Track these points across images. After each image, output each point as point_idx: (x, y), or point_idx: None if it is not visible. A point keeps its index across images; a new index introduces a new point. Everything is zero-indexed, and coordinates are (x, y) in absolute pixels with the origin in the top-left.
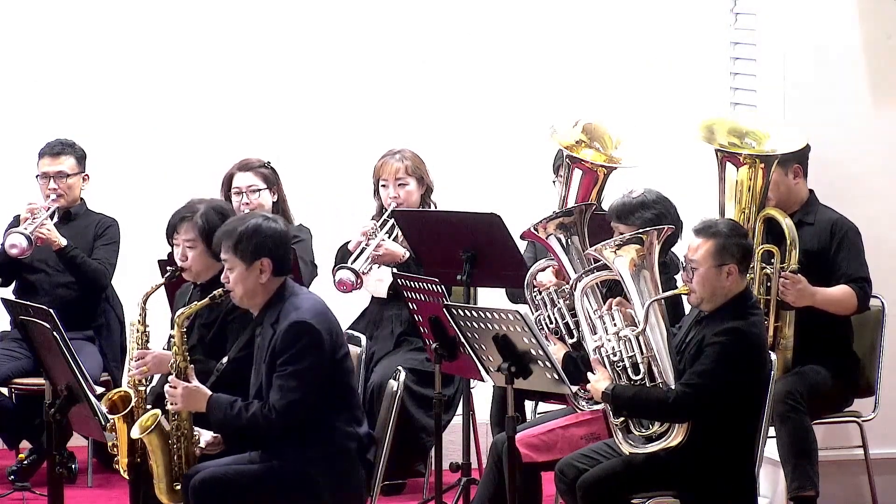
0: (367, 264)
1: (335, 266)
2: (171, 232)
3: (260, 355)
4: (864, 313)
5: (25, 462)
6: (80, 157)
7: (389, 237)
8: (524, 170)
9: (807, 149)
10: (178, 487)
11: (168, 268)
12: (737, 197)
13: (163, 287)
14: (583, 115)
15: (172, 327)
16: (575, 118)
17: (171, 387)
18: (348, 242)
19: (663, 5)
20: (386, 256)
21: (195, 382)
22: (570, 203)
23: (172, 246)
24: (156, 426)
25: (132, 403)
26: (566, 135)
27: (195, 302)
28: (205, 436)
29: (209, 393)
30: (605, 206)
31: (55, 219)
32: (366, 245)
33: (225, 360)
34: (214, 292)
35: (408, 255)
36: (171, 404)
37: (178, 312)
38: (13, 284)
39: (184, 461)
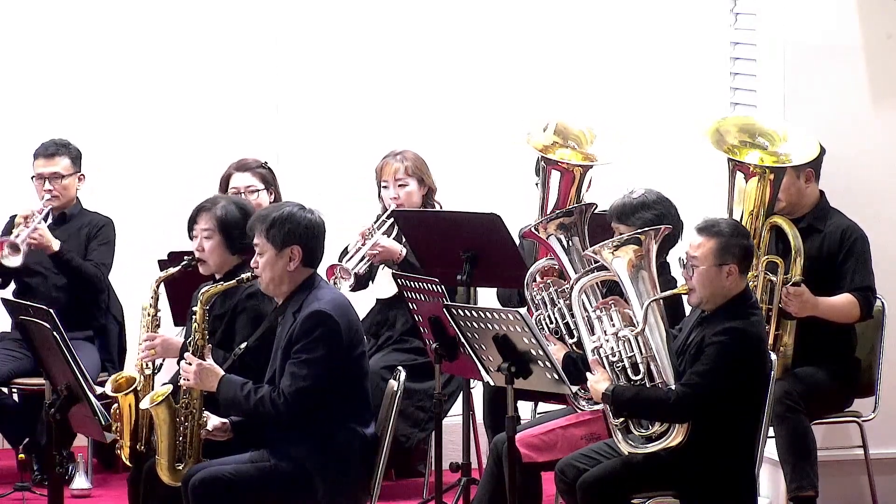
0: (364, 264)
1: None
2: (192, 224)
3: (278, 343)
4: None
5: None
6: (76, 158)
7: (388, 237)
8: (524, 170)
9: (821, 154)
10: (180, 467)
11: (166, 266)
12: (744, 204)
13: (169, 282)
14: (552, 116)
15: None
16: (545, 121)
17: (186, 363)
18: (348, 246)
19: (663, 5)
20: (383, 253)
21: (210, 361)
22: (550, 206)
23: (192, 239)
24: (165, 399)
25: (137, 385)
26: (539, 138)
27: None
28: (212, 420)
29: (222, 373)
30: (590, 202)
31: (49, 221)
32: (362, 245)
33: (243, 345)
34: (242, 276)
35: (404, 251)
36: (185, 380)
37: (202, 290)
38: (12, 286)
39: (188, 441)
